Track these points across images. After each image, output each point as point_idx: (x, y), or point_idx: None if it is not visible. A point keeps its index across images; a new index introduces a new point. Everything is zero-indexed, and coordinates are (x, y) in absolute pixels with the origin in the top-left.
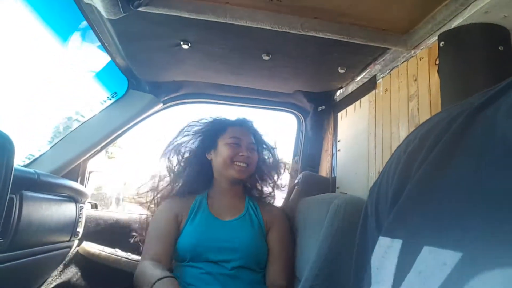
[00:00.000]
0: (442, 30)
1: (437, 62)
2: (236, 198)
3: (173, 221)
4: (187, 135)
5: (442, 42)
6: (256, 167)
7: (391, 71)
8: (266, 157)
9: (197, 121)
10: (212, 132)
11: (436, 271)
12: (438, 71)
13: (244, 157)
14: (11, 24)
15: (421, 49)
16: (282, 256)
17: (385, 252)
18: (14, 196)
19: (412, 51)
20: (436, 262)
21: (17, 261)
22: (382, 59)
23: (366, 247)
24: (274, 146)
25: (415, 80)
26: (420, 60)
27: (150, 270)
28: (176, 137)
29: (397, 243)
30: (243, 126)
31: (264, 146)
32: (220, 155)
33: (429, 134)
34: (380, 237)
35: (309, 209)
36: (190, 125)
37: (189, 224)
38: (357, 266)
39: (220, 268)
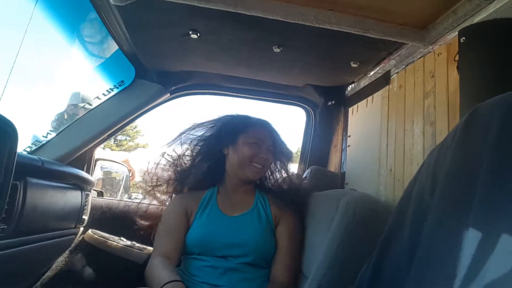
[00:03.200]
0: (463, 26)
1: (457, 58)
2: (246, 193)
3: (183, 216)
4: (206, 126)
5: (463, 38)
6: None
7: (406, 66)
8: (279, 160)
9: (220, 116)
10: (234, 128)
11: None
12: (457, 68)
13: (263, 159)
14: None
15: (440, 44)
16: (289, 252)
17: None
18: (18, 182)
19: (430, 47)
20: None
21: (22, 247)
22: (397, 54)
23: (401, 224)
24: (290, 150)
25: (432, 77)
26: (438, 56)
27: (159, 271)
28: (193, 127)
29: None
30: (266, 127)
31: (281, 148)
32: (239, 152)
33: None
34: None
35: (318, 204)
36: (210, 118)
37: (198, 219)
38: (374, 272)
39: (226, 262)
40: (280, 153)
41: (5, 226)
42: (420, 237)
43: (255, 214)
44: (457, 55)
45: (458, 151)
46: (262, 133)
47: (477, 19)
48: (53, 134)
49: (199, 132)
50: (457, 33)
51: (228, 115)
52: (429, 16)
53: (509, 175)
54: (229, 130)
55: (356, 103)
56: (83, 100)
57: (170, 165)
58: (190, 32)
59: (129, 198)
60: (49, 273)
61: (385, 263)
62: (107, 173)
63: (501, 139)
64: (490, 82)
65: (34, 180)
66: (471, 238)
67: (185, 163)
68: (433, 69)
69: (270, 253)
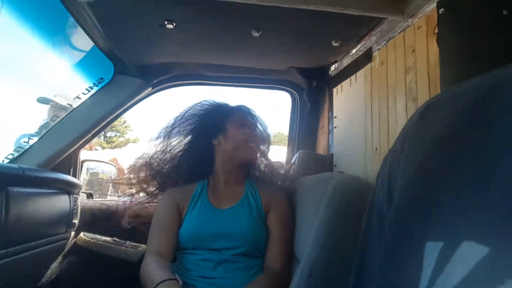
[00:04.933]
0: None
1: (436, 31)
2: (236, 184)
3: (175, 212)
4: (189, 119)
5: (441, 9)
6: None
7: (387, 42)
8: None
9: (198, 106)
10: (218, 117)
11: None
12: (437, 41)
13: (256, 138)
14: None
15: (419, 17)
16: (281, 239)
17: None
18: None
19: (410, 20)
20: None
21: (12, 257)
22: (378, 30)
23: (372, 228)
24: (267, 128)
25: (413, 51)
26: (418, 29)
27: (154, 270)
28: (176, 120)
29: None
30: (246, 110)
31: (262, 128)
32: (233, 138)
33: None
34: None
35: (306, 189)
36: (191, 109)
37: (189, 214)
38: (361, 256)
39: (220, 254)
40: (263, 132)
41: None
42: (383, 246)
43: (245, 205)
44: (436, 28)
45: (411, 157)
46: (245, 115)
47: None
48: (35, 139)
49: (182, 127)
50: (435, 4)
51: (204, 105)
52: None
53: (471, 178)
54: (214, 120)
55: (340, 83)
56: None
57: (155, 163)
58: (166, 22)
59: (119, 197)
60: (44, 280)
61: (365, 262)
62: (93, 174)
63: (461, 137)
64: (470, 54)
65: (16, 189)
66: (431, 250)
67: (171, 158)
68: (414, 44)
69: (262, 242)
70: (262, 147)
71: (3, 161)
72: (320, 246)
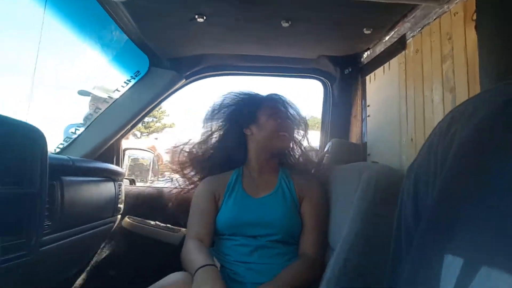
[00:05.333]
0: None
1: (474, 17)
2: (270, 173)
3: (211, 200)
4: (222, 109)
5: None
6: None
7: (422, 29)
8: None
9: (231, 96)
10: (250, 107)
11: None
12: (475, 28)
13: (287, 126)
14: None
15: (456, 3)
16: (314, 227)
17: (447, 269)
18: (54, 182)
19: (445, 6)
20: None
21: (67, 240)
22: (411, 16)
23: (400, 236)
24: (302, 114)
25: (449, 39)
26: (455, 15)
27: (193, 255)
28: (210, 110)
29: (458, 261)
30: (278, 98)
31: (295, 115)
32: (265, 127)
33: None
34: (445, 255)
35: (340, 178)
36: (224, 99)
37: (225, 202)
38: (394, 252)
39: (256, 241)
40: (296, 119)
41: (50, 223)
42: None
43: (279, 194)
44: (475, 14)
45: (437, 174)
46: (277, 104)
47: None
48: (81, 130)
49: (216, 117)
50: None
51: (236, 95)
52: None
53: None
54: (246, 110)
55: (372, 71)
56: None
57: (194, 151)
58: (196, 16)
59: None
60: (96, 258)
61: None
62: (134, 160)
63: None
64: (510, 42)
65: (68, 178)
66: (456, 266)
67: (207, 147)
68: (450, 31)
69: (296, 230)
70: (296, 135)
71: (54, 150)
72: (354, 237)
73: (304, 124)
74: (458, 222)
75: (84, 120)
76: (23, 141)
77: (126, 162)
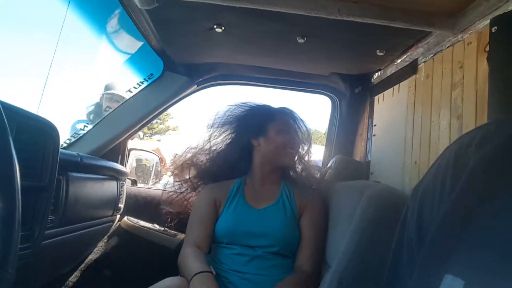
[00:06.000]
0: (495, 14)
1: (487, 49)
2: (272, 184)
3: (212, 207)
4: (232, 117)
5: (495, 27)
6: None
7: (434, 55)
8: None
9: (241, 105)
10: (261, 118)
11: None
12: (487, 59)
13: (295, 144)
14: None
15: (470, 33)
16: (312, 242)
17: None
18: (61, 177)
19: (459, 36)
20: None
21: (68, 235)
22: (425, 42)
23: (402, 255)
24: (310, 130)
25: (461, 67)
26: (468, 45)
27: (190, 261)
28: (220, 117)
29: (459, 284)
30: (289, 114)
31: (303, 131)
32: (273, 142)
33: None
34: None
35: (341, 195)
36: (235, 108)
37: (226, 210)
38: (391, 271)
39: (253, 251)
40: (304, 135)
41: (53, 217)
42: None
43: (280, 206)
44: (488, 45)
45: (443, 197)
46: (288, 119)
47: (511, 7)
48: (89, 127)
49: (225, 124)
50: (488, 21)
51: (247, 106)
52: (458, 3)
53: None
54: (256, 120)
55: (382, 92)
56: (107, 88)
57: (199, 157)
58: (215, 26)
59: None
60: (91, 257)
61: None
62: (138, 161)
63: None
64: None
65: (75, 174)
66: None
67: (213, 154)
68: (462, 59)
69: (294, 243)
70: (301, 151)
71: (61, 145)
72: (351, 255)
73: (309, 139)
74: (461, 248)
75: (87, 115)
76: (37, 135)
77: (131, 162)
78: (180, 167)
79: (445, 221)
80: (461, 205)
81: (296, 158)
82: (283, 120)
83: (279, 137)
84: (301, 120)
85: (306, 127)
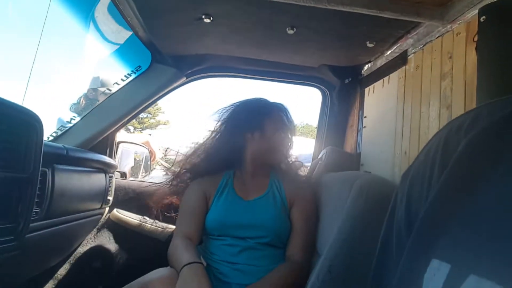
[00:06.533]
0: (484, 3)
1: (476, 38)
2: (262, 176)
3: (201, 200)
4: (230, 111)
5: (483, 17)
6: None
7: (424, 46)
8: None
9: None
10: (258, 113)
11: None
12: (476, 49)
13: (287, 143)
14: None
15: (459, 23)
16: (303, 232)
17: (434, 275)
18: (46, 169)
19: (449, 26)
20: None
21: (55, 227)
22: (415, 33)
23: (391, 241)
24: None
25: (450, 58)
26: (457, 35)
27: (180, 252)
28: (222, 111)
29: (445, 268)
30: (284, 111)
31: (293, 129)
32: (268, 139)
33: (475, 131)
34: (433, 259)
35: (332, 185)
36: (234, 104)
37: (215, 202)
38: (379, 259)
39: (244, 242)
40: (293, 131)
41: (38, 210)
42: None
43: (270, 197)
44: (476, 35)
45: (431, 183)
46: (283, 117)
47: None
48: (77, 120)
49: (221, 116)
50: (477, 11)
51: (246, 100)
52: None
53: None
54: (253, 115)
55: (372, 83)
56: (102, 84)
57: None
58: (203, 16)
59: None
60: (80, 249)
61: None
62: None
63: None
64: (509, 64)
65: (61, 166)
66: (440, 274)
67: (207, 147)
68: (451, 50)
69: (285, 234)
70: (290, 148)
71: (48, 138)
72: (341, 243)
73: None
74: (448, 232)
75: (69, 109)
76: (20, 125)
77: (119, 155)
78: (177, 163)
79: (432, 205)
80: (448, 189)
81: (285, 155)
82: (279, 118)
83: (274, 135)
84: (290, 115)
85: (293, 122)
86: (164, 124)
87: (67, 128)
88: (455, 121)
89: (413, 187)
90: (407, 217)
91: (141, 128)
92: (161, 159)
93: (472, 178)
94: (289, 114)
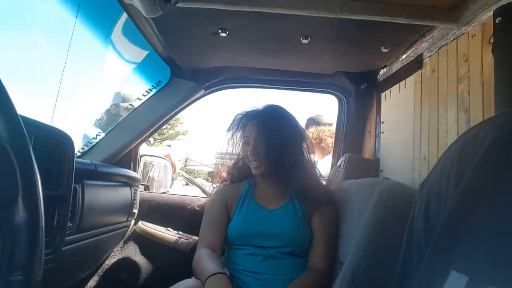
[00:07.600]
0: (498, 4)
1: (492, 40)
2: (281, 185)
3: (224, 210)
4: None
5: (498, 18)
6: (276, 158)
7: (439, 49)
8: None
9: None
10: (239, 125)
11: None
12: (492, 51)
13: (253, 157)
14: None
15: (474, 25)
16: (324, 240)
17: (452, 286)
18: (77, 185)
19: (463, 28)
20: None
21: (85, 241)
22: (429, 37)
23: (411, 250)
24: (295, 126)
25: (466, 60)
26: (472, 38)
27: (204, 263)
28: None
29: (463, 279)
30: (253, 120)
31: (283, 131)
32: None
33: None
34: (452, 271)
35: (351, 193)
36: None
37: (237, 212)
38: (402, 267)
39: (266, 251)
40: (281, 140)
41: (70, 224)
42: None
43: (290, 207)
44: (492, 37)
45: (449, 194)
46: (249, 128)
47: None
48: (102, 135)
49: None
50: (492, 12)
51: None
52: None
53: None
54: (235, 124)
55: (388, 88)
56: (124, 99)
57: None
58: (219, 31)
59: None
60: (108, 261)
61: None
62: (148, 165)
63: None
64: None
65: (90, 182)
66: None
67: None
68: (467, 52)
69: (306, 243)
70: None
71: (75, 154)
72: (363, 251)
73: (300, 139)
74: (467, 241)
75: (94, 124)
76: (53, 145)
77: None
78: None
79: (450, 216)
80: (465, 200)
81: (262, 167)
82: (247, 128)
83: (243, 147)
84: (272, 123)
85: (290, 126)
86: (183, 134)
87: (93, 144)
88: (470, 132)
89: (431, 197)
90: (426, 227)
91: (160, 139)
92: (181, 169)
93: (489, 189)
94: (260, 121)
